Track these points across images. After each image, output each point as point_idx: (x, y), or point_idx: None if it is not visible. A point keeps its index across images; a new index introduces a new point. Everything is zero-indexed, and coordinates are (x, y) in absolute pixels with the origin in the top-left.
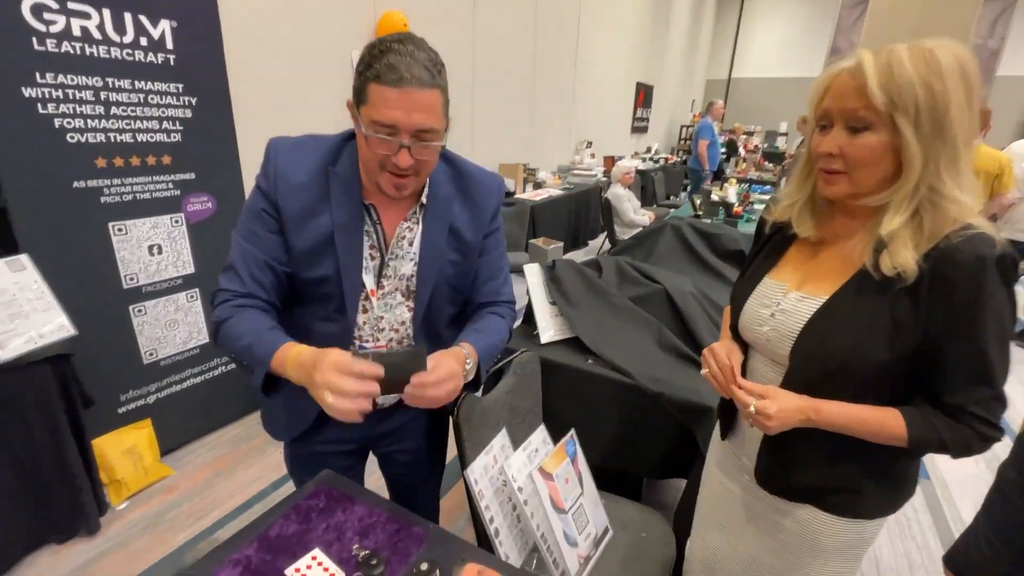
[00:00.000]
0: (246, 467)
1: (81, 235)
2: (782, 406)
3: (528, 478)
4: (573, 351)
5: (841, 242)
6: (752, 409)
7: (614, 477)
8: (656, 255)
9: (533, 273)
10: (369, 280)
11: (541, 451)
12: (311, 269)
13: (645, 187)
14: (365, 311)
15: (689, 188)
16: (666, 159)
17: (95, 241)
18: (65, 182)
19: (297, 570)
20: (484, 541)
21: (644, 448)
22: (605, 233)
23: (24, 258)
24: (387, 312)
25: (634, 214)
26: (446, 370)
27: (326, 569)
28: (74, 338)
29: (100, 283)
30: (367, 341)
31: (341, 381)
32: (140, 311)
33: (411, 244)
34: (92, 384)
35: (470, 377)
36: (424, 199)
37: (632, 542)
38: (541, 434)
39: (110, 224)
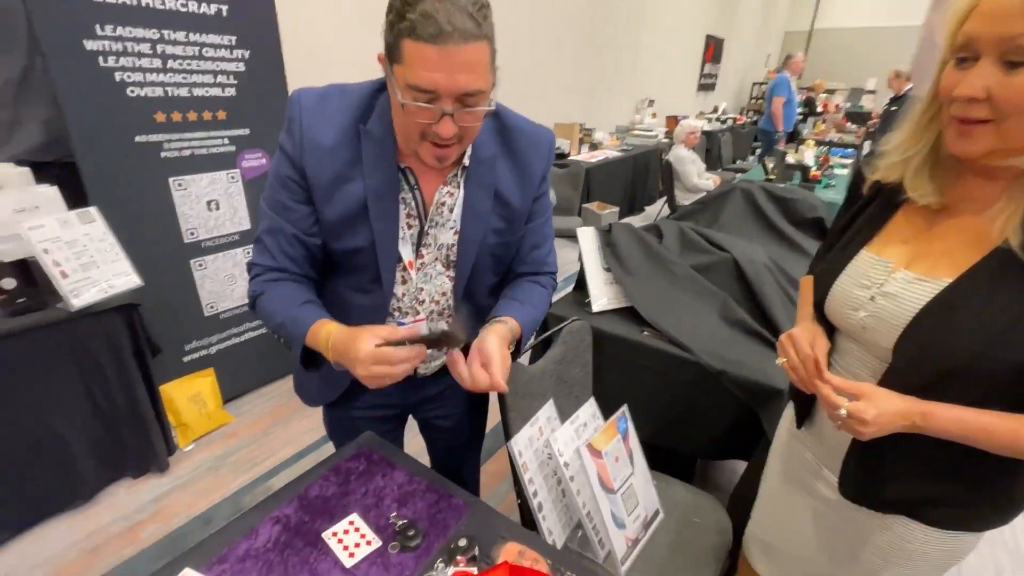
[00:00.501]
0: (300, 418)
1: (144, 189)
2: (882, 409)
3: (575, 454)
4: (627, 322)
5: (971, 211)
6: (843, 412)
7: (665, 455)
8: (723, 221)
9: (587, 237)
10: (407, 251)
11: (590, 426)
12: (343, 240)
13: (710, 150)
14: (404, 282)
15: (760, 151)
16: (734, 119)
17: (157, 196)
18: (128, 136)
19: (334, 534)
20: (527, 512)
21: (701, 428)
22: (664, 199)
23: (93, 210)
24: (427, 283)
25: (697, 178)
26: (500, 373)
27: (363, 535)
28: (140, 289)
29: (163, 237)
30: (407, 313)
31: (389, 370)
32: (201, 265)
33: (451, 211)
34: (158, 333)
35: (511, 345)
36: (466, 161)
37: (684, 526)
38: (590, 408)
39: (170, 179)
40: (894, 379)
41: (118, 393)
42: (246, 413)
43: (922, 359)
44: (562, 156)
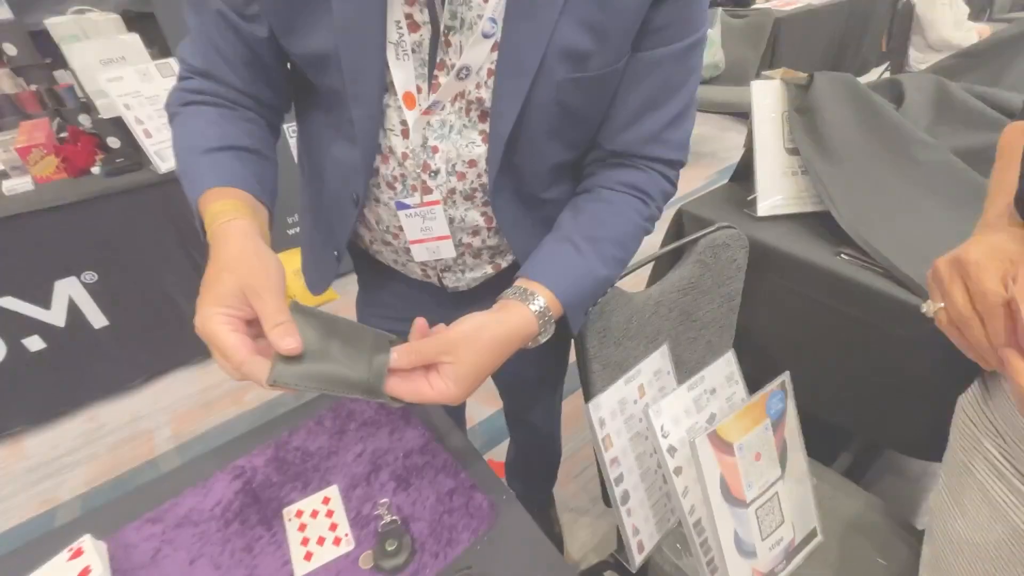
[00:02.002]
0: None
1: None
2: None
3: (688, 441)
4: (814, 236)
5: None
6: None
7: (830, 434)
8: (1010, 83)
9: (766, 93)
10: (403, 73)
11: (720, 394)
12: (299, 36)
13: None
14: (403, 133)
15: None
16: None
17: None
18: None
19: (299, 513)
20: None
21: (917, 415)
22: (886, 65)
23: (173, 62)
24: (443, 139)
25: (953, 28)
26: (451, 388)
27: (333, 526)
28: None
29: None
30: (413, 189)
31: (216, 355)
32: (295, 132)
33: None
34: None
35: (545, 337)
36: None
37: (854, 563)
38: (726, 367)
39: None
40: None
41: None
42: (350, 292)
43: None
44: (743, 3)
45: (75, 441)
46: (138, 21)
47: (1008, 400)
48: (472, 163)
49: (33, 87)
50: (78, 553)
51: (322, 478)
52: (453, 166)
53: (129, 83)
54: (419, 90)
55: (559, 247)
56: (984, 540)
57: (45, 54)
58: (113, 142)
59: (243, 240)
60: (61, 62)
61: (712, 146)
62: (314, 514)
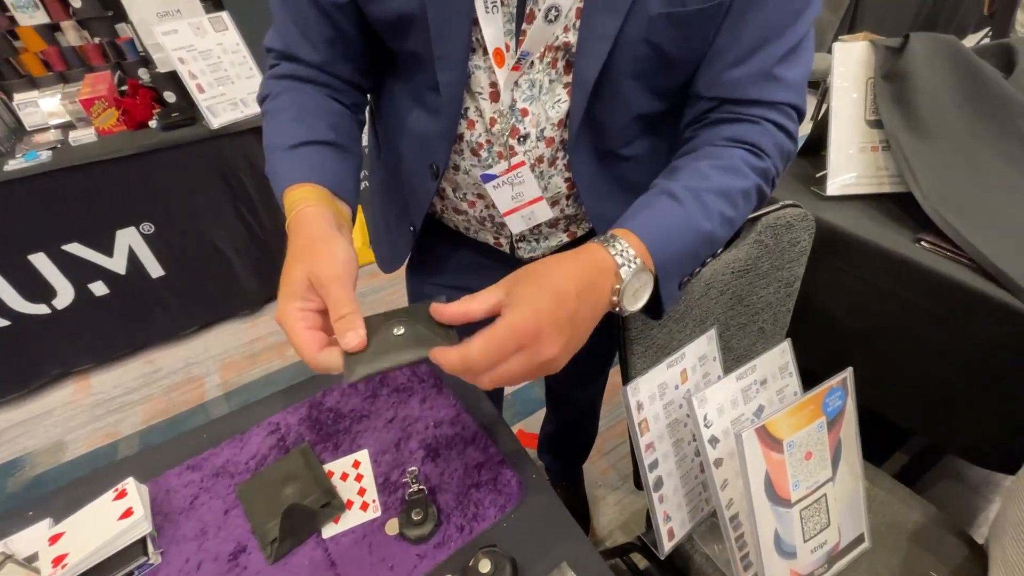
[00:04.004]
0: None
1: None
2: None
3: (733, 434)
4: (890, 219)
5: None
6: None
7: (877, 429)
8: None
9: (849, 56)
10: (492, 27)
11: (771, 386)
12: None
13: None
14: (492, 96)
15: None
16: None
17: None
18: None
19: (329, 474)
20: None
21: (992, 420)
22: (986, 31)
23: (225, 16)
24: (531, 101)
25: None
26: (495, 345)
27: (361, 491)
28: None
29: None
30: (500, 156)
31: (290, 334)
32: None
33: None
34: None
35: (635, 306)
36: None
37: (900, 569)
38: (780, 357)
39: None
40: None
41: (264, 216)
42: None
43: None
44: None
45: (135, 382)
46: None
47: None
48: (560, 123)
49: (96, 40)
50: (122, 494)
51: (353, 441)
52: (542, 131)
53: (183, 36)
54: (507, 47)
55: (652, 199)
56: None
57: (107, 6)
58: (169, 96)
59: (312, 227)
60: (122, 15)
61: None
62: (344, 477)
